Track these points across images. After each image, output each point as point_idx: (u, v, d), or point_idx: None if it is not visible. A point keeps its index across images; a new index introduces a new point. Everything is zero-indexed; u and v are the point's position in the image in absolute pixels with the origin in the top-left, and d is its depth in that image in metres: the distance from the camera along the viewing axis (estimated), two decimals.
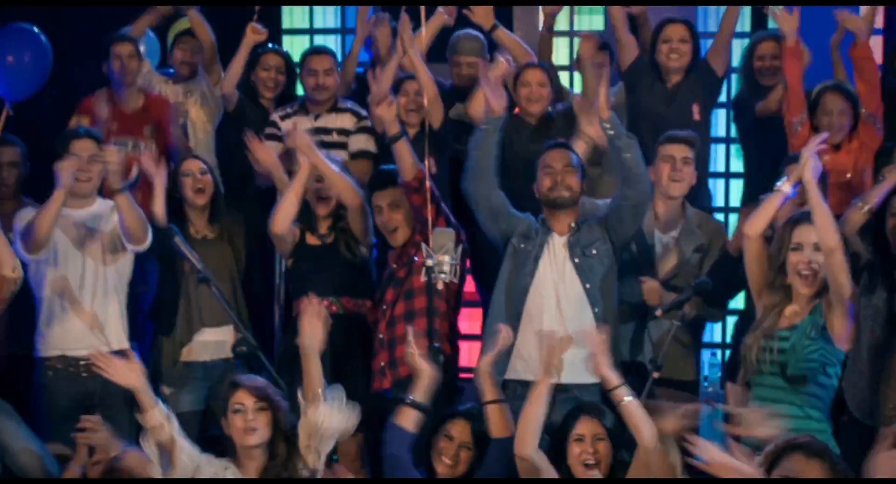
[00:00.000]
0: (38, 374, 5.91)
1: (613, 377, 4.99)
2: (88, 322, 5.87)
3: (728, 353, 7.08)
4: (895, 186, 5.49)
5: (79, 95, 7.03)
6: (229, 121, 7.10)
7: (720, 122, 8.12)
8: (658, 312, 5.54)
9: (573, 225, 5.69)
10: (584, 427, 5.02)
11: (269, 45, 7.32)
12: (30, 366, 5.92)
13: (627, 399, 4.97)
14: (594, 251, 5.65)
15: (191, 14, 7.08)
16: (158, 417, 4.74)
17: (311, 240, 6.19)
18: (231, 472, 4.82)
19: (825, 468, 4.12)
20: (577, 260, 5.63)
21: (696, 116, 6.71)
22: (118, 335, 5.94)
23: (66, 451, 5.62)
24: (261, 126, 6.89)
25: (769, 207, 5.13)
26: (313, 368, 4.86)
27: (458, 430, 5.16)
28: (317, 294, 5.58)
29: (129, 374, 4.82)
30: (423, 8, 6.24)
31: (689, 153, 6.03)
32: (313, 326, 4.86)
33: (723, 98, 7.66)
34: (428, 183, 5.77)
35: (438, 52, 7.00)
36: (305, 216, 6.16)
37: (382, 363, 5.86)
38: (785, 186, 5.09)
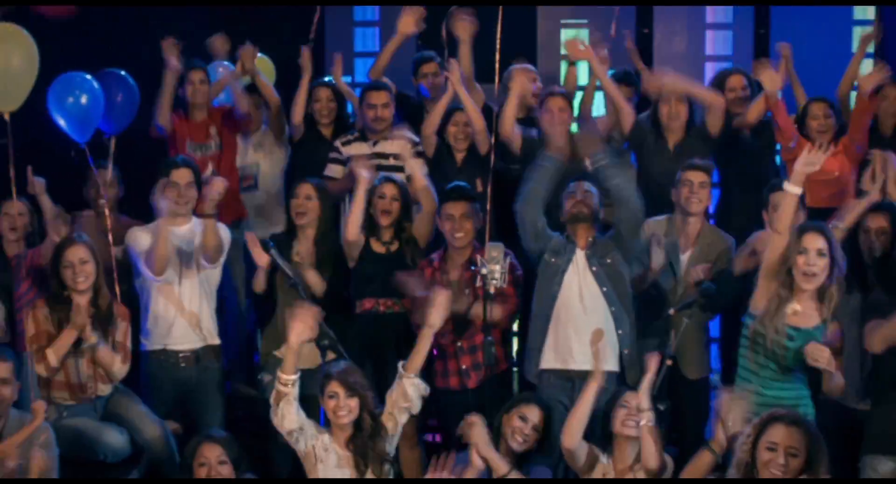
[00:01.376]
0: (145, 364, 7.05)
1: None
2: (188, 320, 7.01)
3: None
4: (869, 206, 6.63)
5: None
6: (296, 148, 8.32)
7: None
8: (671, 311, 6.64)
9: (591, 239, 6.79)
10: None
11: (318, 79, 8.53)
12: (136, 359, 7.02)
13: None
14: (608, 260, 6.75)
15: (257, 79, 8.25)
16: (292, 378, 5.89)
17: (377, 247, 7.24)
18: (326, 437, 6.00)
19: (802, 434, 5.21)
20: (594, 268, 6.75)
21: None
22: (210, 332, 7.11)
23: (177, 427, 6.92)
24: (323, 151, 8.07)
25: (787, 209, 6.03)
26: (423, 349, 6.02)
27: (532, 413, 6.22)
28: (380, 294, 7.00)
29: (305, 332, 5.92)
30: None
31: (705, 178, 7.13)
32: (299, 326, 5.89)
33: None
34: (489, 204, 6.96)
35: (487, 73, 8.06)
36: (371, 227, 7.23)
37: (464, 366, 6.95)
38: (794, 187, 6.03)
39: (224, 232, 7.16)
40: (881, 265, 6.45)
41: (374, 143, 8.01)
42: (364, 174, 7.16)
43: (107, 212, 7.39)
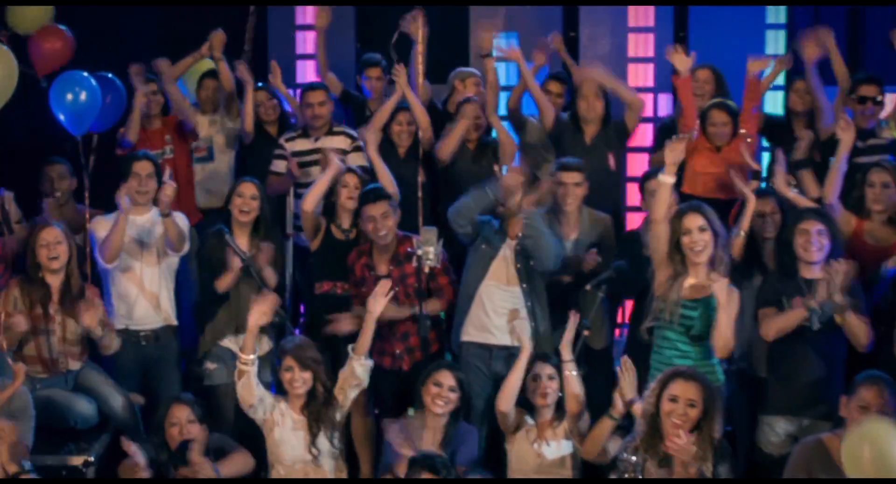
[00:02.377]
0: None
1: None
2: (148, 302, 7.74)
3: None
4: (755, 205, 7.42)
5: None
6: (248, 150, 9.13)
7: None
8: (587, 287, 7.42)
9: (520, 234, 7.46)
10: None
11: (259, 84, 9.31)
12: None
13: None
14: (532, 262, 7.49)
15: (221, 65, 9.05)
16: (251, 358, 6.69)
17: (337, 233, 7.98)
18: (283, 404, 6.84)
19: (699, 387, 6.07)
20: (518, 265, 7.51)
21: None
22: (168, 313, 7.86)
23: (139, 399, 7.65)
24: (271, 149, 8.86)
25: (662, 196, 6.91)
26: (368, 333, 6.86)
27: (445, 377, 6.94)
28: (338, 278, 7.80)
29: (262, 318, 6.77)
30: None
31: (580, 178, 7.84)
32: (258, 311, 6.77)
33: None
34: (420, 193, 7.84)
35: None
36: (331, 215, 7.99)
37: (398, 350, 7.67)
38: (667, 177, 6.92)
39: (182, 222, 7.86)
40: (777, 247, 7.27)
41: (316, 140, 8.79)
42: (338, 162, 7.95)
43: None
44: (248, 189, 7.86)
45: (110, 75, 8.81)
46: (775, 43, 10.69)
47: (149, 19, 10.29)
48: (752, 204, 7.44)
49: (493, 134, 8.76)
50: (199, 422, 6.80)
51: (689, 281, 6.88)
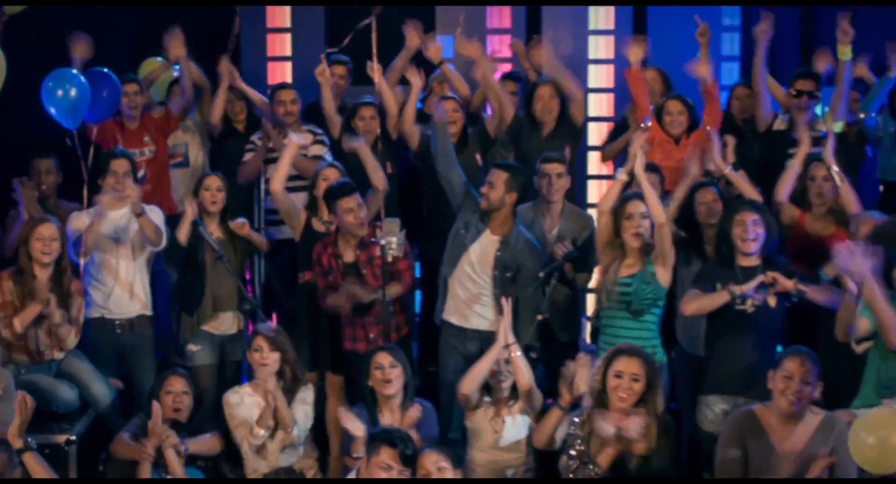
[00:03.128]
0: (87, 329, 8.21)
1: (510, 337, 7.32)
2: (124, 292, 8.25)
3: None
4: (694, 185, 8.02)
5: None
6: (216, 143, 9.66)
7: None
8: (541, 275, 7.86)
9: (507, 232, 7.94)
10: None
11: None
12: None
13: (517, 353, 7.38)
14: (517, 262, 7.93)
15: (190, 66, 9.51)
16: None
17: (317, 225, 8.47)
18: (249, 389, 7.43)
19: (641, 363, 6.58)
20: (499, 253, 7.96)
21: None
22: (143, 303, 8.37)
23: (118, 384, 8.18)
24: (240, 144, 9.39)
25: (613, 190, 7.60)
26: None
27: (383, 359, 7.35)
28: None
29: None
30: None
31: (562, 169, 8.32)
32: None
33: None
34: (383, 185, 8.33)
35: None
36: (313, 207, 8.48)
37: (372, 335, 8.11)
38: (622, 174, 7.61)
39: (157, 216, 8.36)
40: (717, 236, 7.74)
41: (285, 136, 9.15)
42: (293, 138, 8.49)
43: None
44: (214, 182, 8.49)
45: (106, 70, 9.25)
46: (731, 45, 11.18)
47: (127, 21, 10.79)
48: (691, 176, 8.03)
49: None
50: (191, 393, 7.47)
51: (627, 261, 7.52)
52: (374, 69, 9.06)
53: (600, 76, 11.06)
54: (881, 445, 5.97)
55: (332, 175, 8.51)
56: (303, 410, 7.57)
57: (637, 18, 11.23)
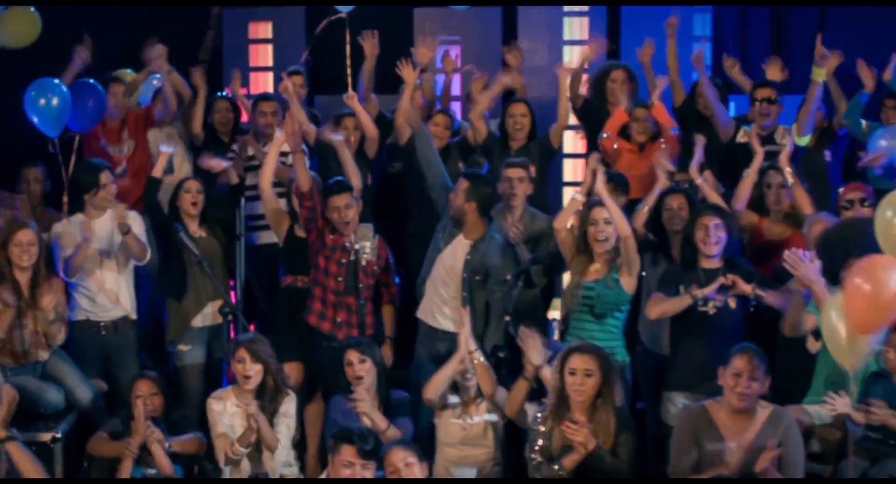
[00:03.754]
0: (72, 332, 8.53)
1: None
2: (108, 296, 8.58)
3: None
4: (665, 189, 8.36)
5: None
6: (199, 152, 9.84)
7: None
8: (508, 277, 8.18)
9: (478, 238, 8.33)
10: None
11: (218, 93, 10.26)
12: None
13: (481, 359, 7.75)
14: (484, 265, 8.32)
15: (173, 76, 9.88)
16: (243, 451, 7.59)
17: (299, 232, 8.70)
18: (233, 397, 7.71)
19: (594, 358, 6.96)
20: (468, 257, 8.34)
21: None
22: (126, 306, 8.70)
23: (102, 385, 8.49)
24: (222, 153, 9.63)
25: (569, 210, 8.00)
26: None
27: (353, 356, 7.70)
28: (299, 272, 8.64)
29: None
30: None
31: (523, 174, 8.67)
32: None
33: None
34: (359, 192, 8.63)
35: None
36: (294, 215, 8.72)
37: (340, 319, 8.43)
38: (578, 195, 8.00)
39: (139, 226, 8.68)
40: (683, 240, 8.10)
41: (265, 145, 9.56)
42: (278, 134, 8.78)
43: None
44: (194, 185, 8.94)
45: (91, 81, 9.61)
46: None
47: (114, 28, 11.16)
48: (660, 184, 8.41)
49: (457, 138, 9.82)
50: (162, 394, 7.77)
51: (593, 266, 7.92)
52: (350, 96, 9.44)
53: None
54: None
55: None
56: (286, 424, 7.83)
57: (610, 28, 11.60)
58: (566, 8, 11.72)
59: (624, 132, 9.58)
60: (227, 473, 7.72)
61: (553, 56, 11.47)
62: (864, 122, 9.60)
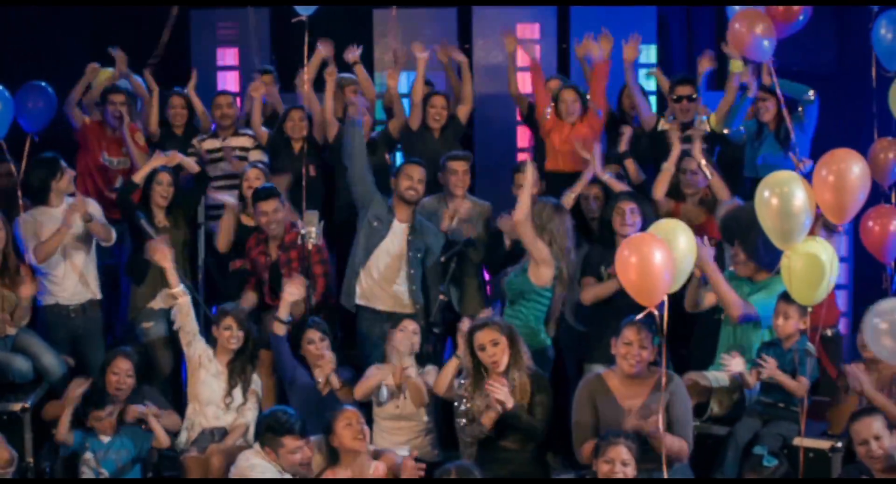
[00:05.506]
0: (42, 315, 9.38)
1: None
2: (76, 280, 9.35)
3: None
4: (591, 177, 9.23)
5: None
6: (155, 147, 10.67)
7: None
8: (442, 258, 9.10)
9: (412, 222, 9.19)
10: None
11: (175, 88, 11.04)
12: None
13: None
14: (423, 242, 9.24)
15: (131, 80, 10.80)
16: (180, 289, 8.52)
17: (245, 220, 9.66)
18: (211, 352, 8.60)
19: (494, 328, 7.76)
20: (410, 238, 9.20)
21: None
22: (93, 289, 9.48)
23: (70, 361, 9.25)
24: (176, 147, 10.29)
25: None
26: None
27: (313, 334, 8.63)
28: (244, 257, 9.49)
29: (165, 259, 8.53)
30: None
31: (466, 166, 9.55)
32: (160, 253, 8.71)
33: None
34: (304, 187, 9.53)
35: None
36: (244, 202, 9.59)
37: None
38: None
39: (97, 211, 9.41)
40: (599, 224, 9.11)
41: (224, 139, 10.50)
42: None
43: None
44: (166, 178, 9.67)
45: (43, 84, 10.32)
46: (646, 53, 12.07)
47: (81, 29, 11.92)
48: (587, 173, 9.29)
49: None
50: (135, 376, 8.56)
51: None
52: (304, 78, 10.21)
53: (527, 83, 11.86)
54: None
55: (253, 175, 9.74)
56: (253, 403, 8.78)
57: (560, 29, 12.41)
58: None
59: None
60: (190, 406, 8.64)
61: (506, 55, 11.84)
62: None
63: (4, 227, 9.03)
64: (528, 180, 8.64)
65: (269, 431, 7.70)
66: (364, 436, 7.68)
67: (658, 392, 7.41)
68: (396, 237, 9.29)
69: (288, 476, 7.63)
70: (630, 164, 9.75)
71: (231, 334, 8.67)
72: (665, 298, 7.06)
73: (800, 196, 7.06)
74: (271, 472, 7.63)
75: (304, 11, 9.91)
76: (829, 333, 8.92)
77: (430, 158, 9.81)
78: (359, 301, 9.35)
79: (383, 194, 9.36)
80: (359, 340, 9.40)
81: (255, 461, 7.71)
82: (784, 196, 7.06)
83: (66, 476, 8.32)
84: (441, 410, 8.58)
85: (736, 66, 9.95)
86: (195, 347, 8.69)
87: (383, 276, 9.27)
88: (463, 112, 10.66)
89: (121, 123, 10.56)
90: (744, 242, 8.12)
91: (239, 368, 8.74)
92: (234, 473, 7.73)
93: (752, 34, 8.00)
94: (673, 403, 7.47)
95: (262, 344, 8.99)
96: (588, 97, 10.34)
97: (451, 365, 8.23)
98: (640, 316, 7.16)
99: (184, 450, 8.56)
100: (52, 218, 9.36)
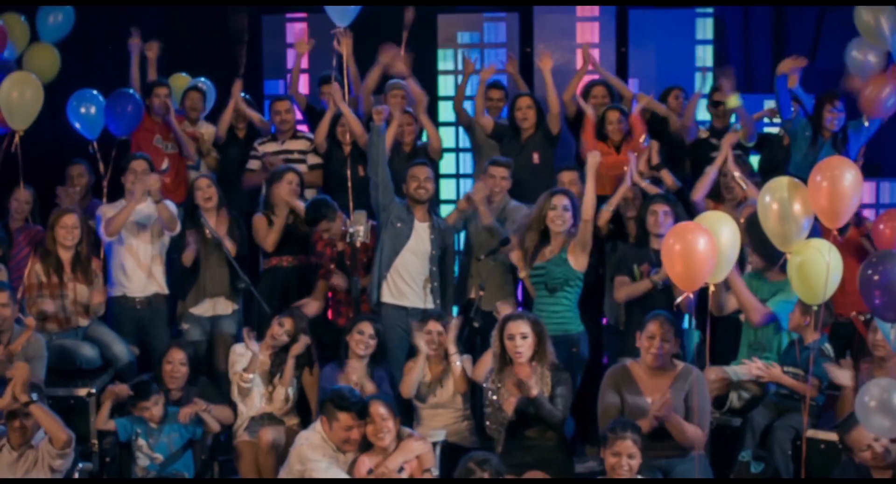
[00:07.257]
0: (111, 306, 10.09)
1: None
2: (143, 273, 10.05)
3: None
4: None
5: None
6: (219, 149, 11.41)
7: None
8: (482, 257, 9.63)
9: (430, 220, 9.79)
10: None
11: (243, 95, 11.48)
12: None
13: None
14: (444, 240, 9.85)
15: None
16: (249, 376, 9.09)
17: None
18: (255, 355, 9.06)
19: (527, 322, 8.28)
20: (432, 237, 9.80)
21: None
22: (159, 283, 10.15)
23: (135, 349, 9.91)
24: (238, 149, 11.15)
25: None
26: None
27: (366, 327, 9.13)
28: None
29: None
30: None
31: (506, 173, 10.05)
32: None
33: None
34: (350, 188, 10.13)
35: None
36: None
37: (352, 314, 9.75)
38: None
39: (172, 207, 10.06)
40: (636, 223, 9.59)
41: (282, 142, 11.05)
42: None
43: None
44: (205, 182, 10.23)
45: (131, 91, 11.07)
46: (703, 57, 12.62)
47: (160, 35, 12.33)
48: (622, 191, 9.75)
49: (424, 137, 11.08)
50: (188, 366, 9.15)
51: (548, 248, 9.23)
52: (335, 90, 10.57)
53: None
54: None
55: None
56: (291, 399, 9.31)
57: (619, 32, 12.75)
58: (578, 13, 12.84)
59: (600, 132, 10.73)
60: (240, 404, 9.16)
61: (565, 59, 12.57)
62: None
63: (81, 225, 9.72)
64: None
65: (330, 402, 8.15)
66: (386, 432, 8.15)
67: (680, 383, 8.02)
68: (420, 236, 9.85)
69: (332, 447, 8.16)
70: (665, 174, 10.19)
71: (281, 331, 9.19)
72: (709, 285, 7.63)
73: (798, 201, 7.61)
74: (321, 447, 8.15)
75: (342, 22, 10.36)
76: (862, 318, 9.20)
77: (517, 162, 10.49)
78: (385, 299, 9.87)
79: None
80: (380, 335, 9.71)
81: (307, 434, 8.27)
82: (783, 201, 7.63)
83: (124, 459, 8.95)
84: (479, 398, 9.05)
85: (733, 101, 10.52)
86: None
87: (410, 274, 9.81)
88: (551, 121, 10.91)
89: (167, 112, 11.15)
90: (760, 244, 8.56)
91: (278, 361, 9.22)
92: (293, 452, 8.22)
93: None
94: (692, 393, 7.94)
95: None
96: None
97: (489, 354, 8.66)
98: (678, 300, 7.68)
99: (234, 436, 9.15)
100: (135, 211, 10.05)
